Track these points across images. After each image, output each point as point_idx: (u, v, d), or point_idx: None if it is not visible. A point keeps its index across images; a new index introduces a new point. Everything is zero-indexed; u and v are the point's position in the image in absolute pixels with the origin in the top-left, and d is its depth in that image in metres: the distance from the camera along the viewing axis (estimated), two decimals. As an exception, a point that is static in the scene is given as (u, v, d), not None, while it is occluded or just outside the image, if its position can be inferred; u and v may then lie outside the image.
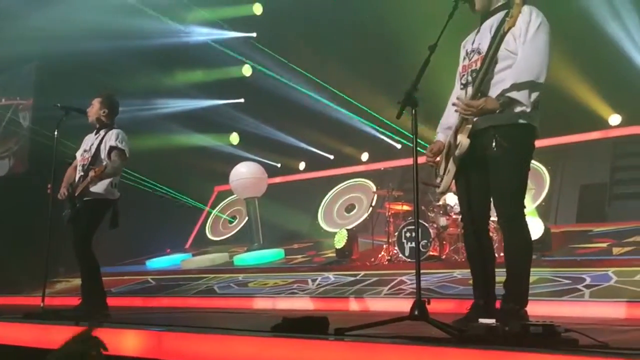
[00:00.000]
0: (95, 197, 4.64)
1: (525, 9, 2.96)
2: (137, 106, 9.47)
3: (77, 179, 4.77)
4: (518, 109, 2.95)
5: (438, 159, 3.23)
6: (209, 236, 11.19)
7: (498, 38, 2.91)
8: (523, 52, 2.94)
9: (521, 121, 2.98)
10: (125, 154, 4.71)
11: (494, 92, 2.99)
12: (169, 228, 10.35)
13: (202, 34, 10.75)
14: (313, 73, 9.90)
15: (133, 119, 8.28)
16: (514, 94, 2.90)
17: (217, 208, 11.50)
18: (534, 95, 2.93)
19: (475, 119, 2.99)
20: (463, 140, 2.99)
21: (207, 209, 11.48)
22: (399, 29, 8.24)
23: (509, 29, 2.83)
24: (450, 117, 3.25)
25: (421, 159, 3.05)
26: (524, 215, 3.06)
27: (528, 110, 2.93)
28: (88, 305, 4.55)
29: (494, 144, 2.96)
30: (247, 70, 11.37)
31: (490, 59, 2.98)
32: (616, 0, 7.47)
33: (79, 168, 4.83)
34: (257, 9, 10.99)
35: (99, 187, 4.63)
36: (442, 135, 3.28)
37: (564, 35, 6.24)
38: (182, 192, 10.42)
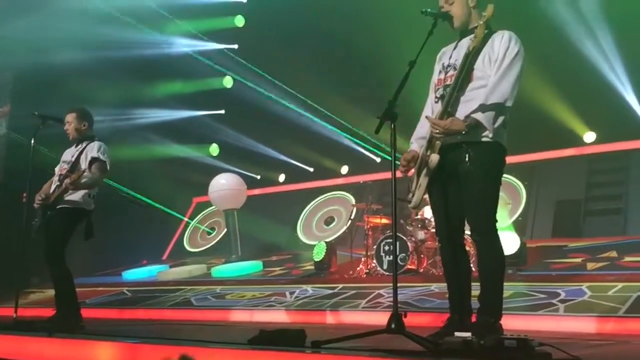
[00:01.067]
0: (70, 206, 4.59)
1: (506, 35, 3.05)
2: (116, 116, 9.41)
3: (52, 188, 4.71)
4: (482, 132, 3.01)
5: (412, 171, 3.27)
6: (187, 247, 11.10)
7: (466, 58, 2.98)
8: (496, 77, 3.00)
9: (491, 139, 3.04)
10: (106, 166, 4.68)
11: (463, 109, 3.05)
12: (146, 239, 10.24)
13: (184, 45, 10.73)
14: (294, 86, 9.95)
15: (112, 129, 8.23)
16: (478, 116, 2.96)
17: (196, 219, 11.42)
18: (500, 119, 3.00)
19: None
20: (433, 156, 3.04)
21: (186, 219, 11.40)
22: (380, 43, 8.33)
23: (474, 48, 2.90)
24: (424, 127, 3.30)
25: (400, 173, 3.08)
26: (496, 229, 3.11)
27: (491, 135, 3.00)
28: (62, 317, 4.48)
29: (466, 158, 3.01)
30: (228, 82, 11.38)
31: (462, 79, 3.05)
32: (591, 20, 7.65)
33: (56, 178, 4.78)
34: (239, 21, 11.02)
35: (74, 196, 4.59)
36: (415, 145, 3.33)
37: (541, 55, 6.37)
38: (161, 202, 10.34)
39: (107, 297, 7.50)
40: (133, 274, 9.01)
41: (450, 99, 3.05)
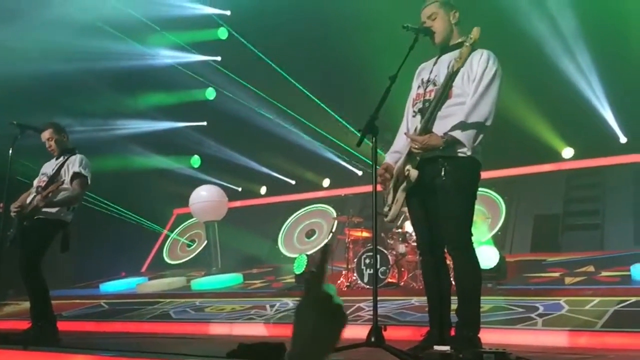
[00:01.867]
0: (46, 217, 4.53)
1: (484, 54, 3.10)
2: (98, 127, 9.33)
3: (29, 200, 4.65)
4: (459, 147, 3.05)
5: (388, 184, 3.30)
6: (167, 259, 11.00)
7: (448, 76, 3.02)
8: (475, 97, 3.04)
9: (467, 154, 3.08)
10: (87, 182, 4.63)
11: (441, 125, 3.08)
12: (125, 250, 10.13)
13: (167, 56, 10.71)
14: (276, 98, 9.98)
15: (93, 139, 8.14)
16: (458, 134, 2.99)
17: (176, 231, 11.33)
18: (479, 137, 3.04)
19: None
20: (412, 172, 3.07)
21: (165, 231, 11.31)
22: (362, 57, 8.40)
23: (458, 68, 2.94)
24: (400, 141, 3.34)
25: (380, 187, 3.10)
26: (472, 243, 3.13)
27: (469, 153, 3.04)
28: (38, 329, 4.41)
29: (442, 172, 3.05)
30: (210, 94, 11.37)
31: (441, 96, 3.09)
32: (569, 38, 7.79)
33: (34, 190, 4.71)
34: (223, 33, 11.04)
35: (52, 208, 4.52)
36: (389, 158, 3.36)
37: (521, 71, 6.47)
38: (141, 213, 10.24)
39: (84, 309, 7.39)
40: (111, 286, 8.90)
41: (431, 116, 3.08)
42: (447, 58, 3.21)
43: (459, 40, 3.22)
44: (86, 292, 8.74)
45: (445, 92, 3.10)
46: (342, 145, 9.54)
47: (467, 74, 3.10)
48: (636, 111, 7.81)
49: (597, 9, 7.50)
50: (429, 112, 3.09)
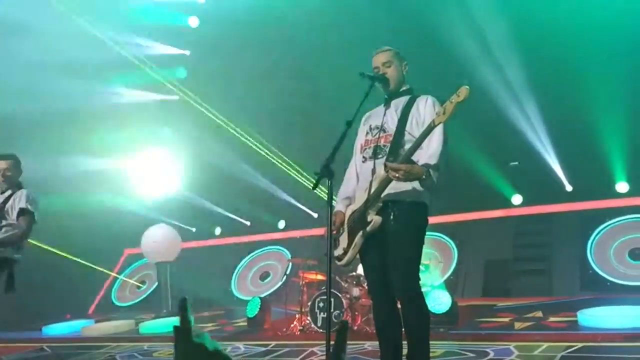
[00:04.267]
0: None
1: (429, 99, 3.24)
2: (48, 164, 9.10)
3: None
4: (407, 193, 3.09)
5: (339, 230, 3.32)
6: (115, 301, 10.66)
7: (428, 130, 3.01)
8: (431, 140, 3.09)
9: (416, 200, 3.14)
10: (33, 218, 4.49)
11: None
12: (71, 292, 9.77)
13: (123, 94, 10.62)
14: (233, 140, 9.99)
15: (41, 176, 7.92)
16: (432, 168, 3.03)
17: (126, 272, 11.03)
18: (436, 176, 3.09)
19: (382, 195, 3.11)
20: (376, 218, 3.10)
21: (114, 274, 10.98)
22: (318, 100, 8.56)
23: (439, 123, 2.97)
24: (349, 187, 3.39)
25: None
26: (420, 288, 3.16)
27: (417, 197, 3.09)
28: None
29: (391, 217, 3.10)
30: (168, 132, 11.30)
31: (397, 142, 3.16)
32: (517, 87, 8.12)
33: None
34: (181, 72, 11.06)
35: (-3, 246, 4.36)
36: (341, 205, 3.39)
37: (471, 120, 6.68)
38: (89, 253, 9.92)
39: (24, 353, 7.04)
40: (54, 329, 8.54)
41: (395, 158, 3.12)
42: (395, 104, 3.32)
43: (406, 87, 3.38)
44: (27, 335, 8.35)
45: (398, 137, 3.18)
46: (299, 187, 9.58)
47: (415, 119, 3.21)
48: (580, 161, 8.16)
49: (542, 59, 7.87)
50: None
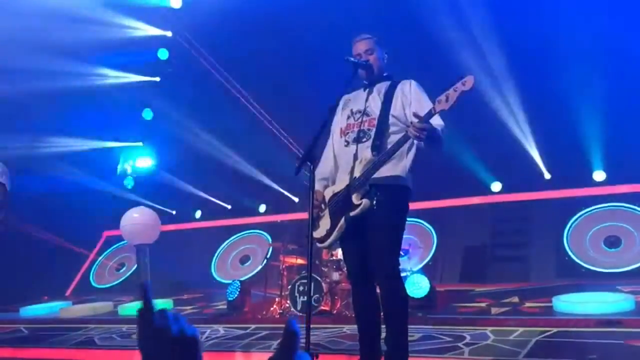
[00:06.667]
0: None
1: (413, 83, 3.26)
2: (25, 144, 8.97)
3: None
4: (391, 177, 3.11)
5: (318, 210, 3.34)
6: (93, 283, 10.60)
7: (428, 115, 2.99)
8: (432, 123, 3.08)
9: (400, 183, 3.17)
10: (6, 188, 4.42)
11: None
12: (49, 273, 9.69)
13: (105, 76, 10.46)
14: (215, 122, 9.92)
15: (19, 157, 7.81)
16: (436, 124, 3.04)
17: (105, 253, 10.95)
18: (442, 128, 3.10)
19: (373, 178, 3.11)
20: (364, 201, 3.11)
21: (93, 254, 10.91)
22: (300, 86, 8.52)
23: (441, 110, 2.96)
24: (326, 168, 3.41)
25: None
26: (399, 272, 3.19)
27: (401, 176, 3.11)
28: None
29: (374, 201, 3.11)
30: (147, 114, 11.18)
31: (383, 126, 3.18)
32: (499, 77, 8.18)
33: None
34: (163, 54, 10.93)
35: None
36: (318, 185, 3.40)
37: (453, 109, 6.72)
38: (68, 235, 9.84)
39: (1, 334, 6.99)
40: (31, 310, 8.48)
41: (381, 143, 3.13)
42: (378, 89, 3.33)
43: (386, 73, 3.42)
44: (4, 316, 8.28)
45: (387, 121, 3.19)
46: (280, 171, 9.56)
47: (401, 102, 3.22)
48: (559, 150, 8.27)
49: (524, 49, 7.91)
50: (375, 139, 3.13)
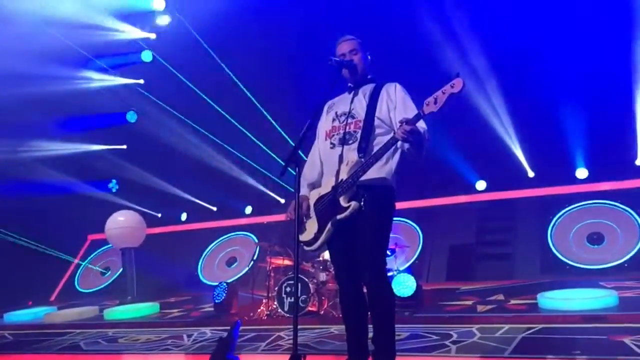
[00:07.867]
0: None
1: (398, 86, 3.28)
2: (8, 148, 8.87)
3: None
4: (377, 178, 3.13)
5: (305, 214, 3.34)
6: (78, 288, 10.51)
7: (416, 118, 3.01)
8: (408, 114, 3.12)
9: (385, 185, 3.18)
10: None
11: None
12: (33, 278, 9.59)
13: (88, 79, 10.37)
14: (200, 124, 9.89)
15: (3, 161, 7.73)
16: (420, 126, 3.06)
17: (89, 258, 10.86)
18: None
19: (360, 179, 3.12)
20: (353, 203, 3.12)
21: (76, 261, 10.81)
22: (285, 87, 8.51)
23: (429, 112, 2.98)
24: (314, 172, 3.41)
25: (292, 216, 3.12)
26: (386, 272, 3.21)
27: (386, 178, 3.14)
28: None
29: (362, 202, 3.12)
30: (132, 117, 11.11)
31: (368, 128, 3.19)
32: (483, 78, 8.24)
33: None
34: (147, 56, 10.86)
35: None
36: (305, 190, 3.41)
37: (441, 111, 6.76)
38: (52, 239, 9.75)
39: (-16, 341, 6.91)
40: (16, 316, 8.38)
41: (367, 145, 3.15)
42: (363, 91, 3.34)
43: (370, 76, 3.41)
44: (-12, 323, 8.19)
45: (372, 123, 3.20)
46: (267, 173, 9.56)
47: (387, 104, 3.23)
48: (542, 148, 8.36)
49: (506, 48, 7.98)
50: (361, 141, 3.15)
